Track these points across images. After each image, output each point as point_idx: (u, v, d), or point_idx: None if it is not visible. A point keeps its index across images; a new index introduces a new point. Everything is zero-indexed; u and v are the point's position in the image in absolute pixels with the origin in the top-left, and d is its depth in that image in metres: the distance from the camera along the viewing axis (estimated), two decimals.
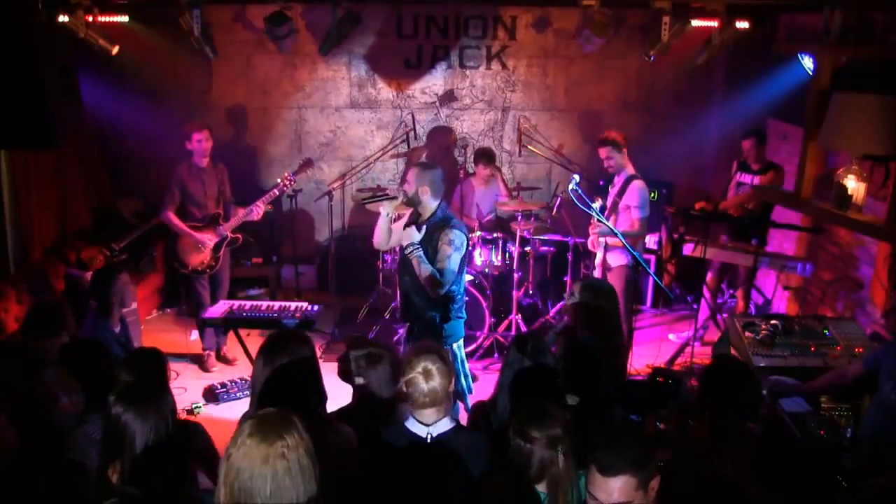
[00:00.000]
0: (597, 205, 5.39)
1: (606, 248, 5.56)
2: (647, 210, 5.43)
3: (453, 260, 4.00)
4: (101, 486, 2.49)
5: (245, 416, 2.87)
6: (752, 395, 2.97)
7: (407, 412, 2.84)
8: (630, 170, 5.53)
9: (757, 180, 6.06)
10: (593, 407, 3.14)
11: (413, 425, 2.77)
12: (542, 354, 3.05)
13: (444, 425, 2.77)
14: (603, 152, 5.53)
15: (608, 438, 2.25)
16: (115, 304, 4.12)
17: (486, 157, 6.74)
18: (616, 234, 5.15)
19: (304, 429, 2.13)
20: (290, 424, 2.11)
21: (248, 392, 5.41)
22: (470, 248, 4.09)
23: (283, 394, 2.70)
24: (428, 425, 2.75)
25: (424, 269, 3.97)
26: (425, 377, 2.71)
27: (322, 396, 2.95)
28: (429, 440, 2.73)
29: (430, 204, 4.11)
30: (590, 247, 5.85)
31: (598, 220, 5.31)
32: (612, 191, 5.60)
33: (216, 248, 5.82)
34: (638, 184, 5.43)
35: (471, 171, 6.93)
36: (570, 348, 3.41)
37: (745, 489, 2.69)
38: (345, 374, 3.21)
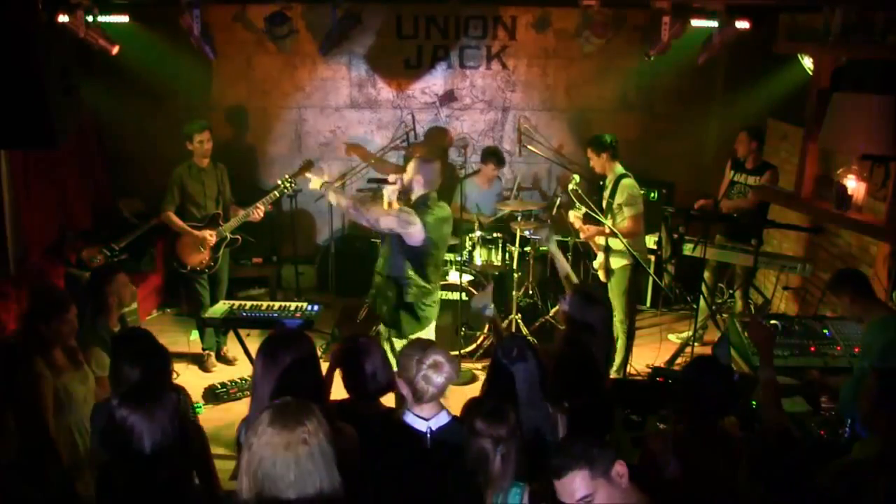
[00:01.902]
0: (578, 212, 5.44)
1: (609, 250, 5.55)
2: (639, 207, 5.42)
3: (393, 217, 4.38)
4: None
5: (247, 419, 2.87)
6: (723, 394, 2.97)
7: (404, 407, 2.83)
8: (619, 169, 5.53)
9: (751, 180, 6.06)
10: (590, 412, 3.14)
11: (412, 420, 2.76)
12: (526, 358, 3.04)
13: (443, 418, 2.77)
14: (588, 153, 5.62)
15: (554, 448, 2.32)
16: (112, 303, 4.11)
17: (496, 157, 6.74)
18: (616, 234, 5.16)
19: (322, 416, 2.14)
20: (309, 412, 2.13)
21: (248, 392, 5.43)
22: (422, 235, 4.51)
23: (284, 394, 2.69)
24: (427, 419, 2.75)
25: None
26: (436, 370, 2.71)
27: (322, 393, 2.95)
28: (429, 434, 2.73)
29: (418, 192, 4.51)
30: (593, 249, 5.85)
31: (587, 222, 5.34)
32: (606, 193, 5.60)
33: (215, 248, 5.82)
34: (626, 182, 5.43)
35: (472, 169, 6.93)
36: (563, 361, 3.40)
37: (732, 488, 2.69)
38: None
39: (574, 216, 5.48)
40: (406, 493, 2.73)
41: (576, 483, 2.24)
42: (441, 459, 2.72)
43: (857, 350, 4.35)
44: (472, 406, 3.23)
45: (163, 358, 3.12)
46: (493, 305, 4.04)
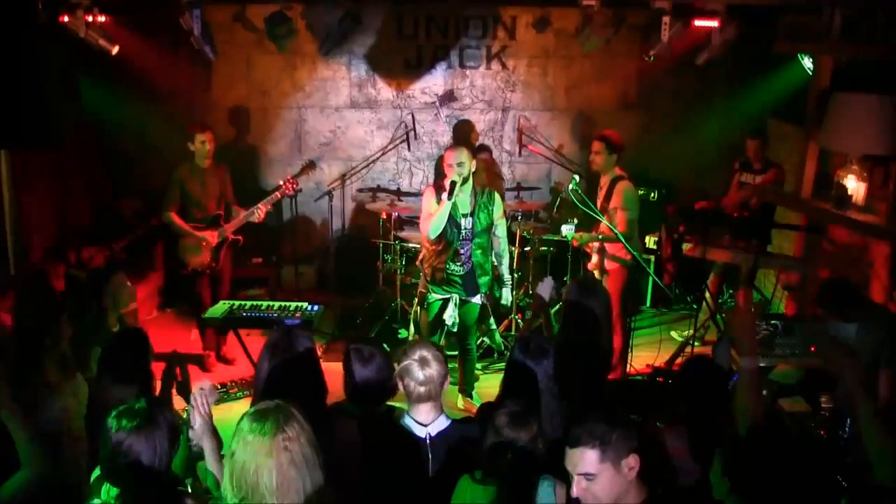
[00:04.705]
0: (571, 226, 5.43)
1: (603, 252, 5.55)
2: (634, 212, 5.36)
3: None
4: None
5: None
6: (717, 392, 2.98)
7: (404, 412, 2.82)
8: (615, 171, 5.48)
9: (759, 179, 6.05)
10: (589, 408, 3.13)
11: (410, 424, 2.73)
12: (545, 355, 3.02)
13: (442, 423, 2.74)
14: (595, 146, 5.51)
15: (580, 416, 2.32)
16: (109, 303, 4.10)
17: (484, 148, 6.84)
18: (608, 239, 5.16)
19: (304, 419, 2.13)
20: (289, 416, 2.12)
21: (248, 392, 5.42)
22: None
23: (288, 391, 2.69)
24: (426, 425, 2.72)
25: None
26: (421, 364, 2.69)
27: (324, 392, 2.95)
28: (427, 440, 2.70)
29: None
30: (587, 250, 5.84)
31: (577, 229, 5.33)
32: (600, 194, 5.57)
33: (216, 248, 5.82)
34: (623, 185, 5.37)
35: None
36: (561, 352, 3.40)
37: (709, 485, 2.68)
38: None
39: (566, 229, 5.51)
40: (405, 501, 2.71)
41: (583, 458, 2.25)
42: (440, 466, 2.69)
43: None
44: (487, 409, 3.22)
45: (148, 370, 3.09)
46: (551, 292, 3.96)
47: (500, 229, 5.06)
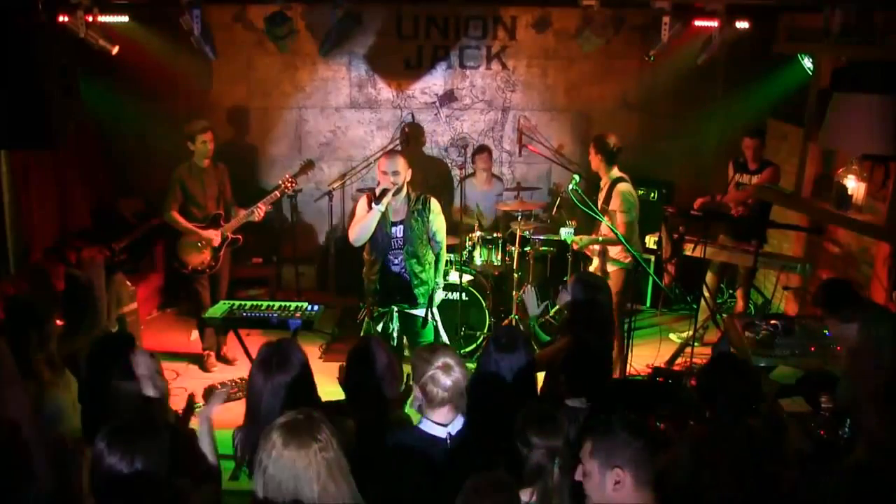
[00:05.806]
0: (570, 229, 5.43)
1: (604, 254, 5.55)
2: (632, 214, 5.34)
3: None
4: None
5: (243, 429, 2.87)
6: (749, 392, 2.97)
7: (421, 415, 2.82)
8: (615, 173, 5.48)
9: (755, 180, 6.05)
10: (601, 408, 3.14)
11: (429, 427, 2.73)
12: (517, 348, 3.06)
13: (460, 422, 2.75)
14: (590, 148, 5.54)
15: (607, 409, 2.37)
16: (112, 303, 4.09)
17: (484, 148, 6.88)
18: (608, 242, 5.15)
19: (330, 423, 2.15)
20: (318, 423, 2.14)
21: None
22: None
23: (284, 405, 2.69)
24: (445, 425, 2.72)
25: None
26: (445, 371, 2.68)
27: (316, 404, 2.95)
28: (448, 441, 2.70)
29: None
30: (588, 253, 5.85)
31: (576, 232, 5.35)
32: (601, 195, 5.57)
33: (216, 248, 5.82)
34: (622, 187, 5.36)
35: (470, 171, 6.94)
36: (573, 351, 3.40)
37: (741, 489, 2.68)
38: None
39: (565, 232, 5.52)
40: (430, 500, 2.71)
41: (583, 447, 2.31)
42: (463, 464, 2.67)
43: None
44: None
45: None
46: (538, 306, 3.93)
47: (440, 235, 4.84)
